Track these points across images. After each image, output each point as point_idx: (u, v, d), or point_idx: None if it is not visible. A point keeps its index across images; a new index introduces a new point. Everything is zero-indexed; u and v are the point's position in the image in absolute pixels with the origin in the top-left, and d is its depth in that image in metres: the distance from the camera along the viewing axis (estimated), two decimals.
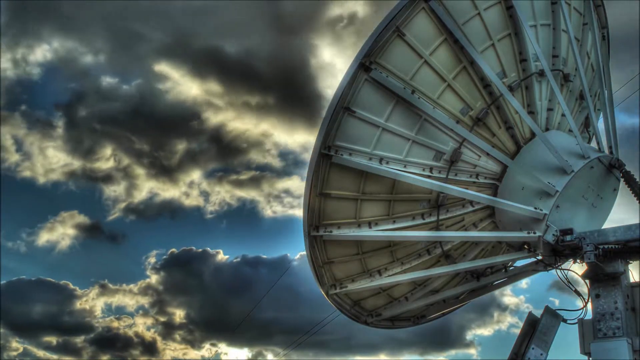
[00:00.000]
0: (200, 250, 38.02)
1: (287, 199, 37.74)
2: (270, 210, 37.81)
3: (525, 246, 10.84)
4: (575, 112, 12.82)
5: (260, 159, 36.80)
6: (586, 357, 10.03)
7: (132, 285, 38.88)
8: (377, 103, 10.59)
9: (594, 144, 12.56)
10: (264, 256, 37.92)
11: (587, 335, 10.09)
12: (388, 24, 10.25)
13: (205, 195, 37.32)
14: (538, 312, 10.85)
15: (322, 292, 11.99)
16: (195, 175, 37.20)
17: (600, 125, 12.64)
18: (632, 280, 10.19)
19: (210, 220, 38.13)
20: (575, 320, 10.44)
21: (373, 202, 11.22)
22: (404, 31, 10.40)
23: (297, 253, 37.85)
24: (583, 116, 13.17)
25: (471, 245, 12.34)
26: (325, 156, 10.61)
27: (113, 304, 38.07)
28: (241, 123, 36.50)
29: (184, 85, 35.55)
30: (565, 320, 10.74)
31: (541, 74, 11.63)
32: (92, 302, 37.40)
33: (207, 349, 36.66)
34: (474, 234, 11.88)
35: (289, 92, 35.02)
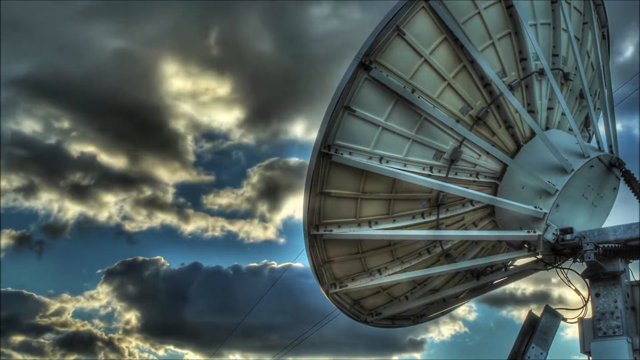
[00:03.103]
0: (148, 259, 39.57)
1: (195, 217, 39.22)
2: (186, 227, 39.35)
3: (525, 245, 10.84)
4: (575, 111, 12.82)
5: (150, 187, 38.44)
6: (586, 357, 10.05)
7: (86, 293, 40.16)
8: (377, 102, 10.59)
9: (594, 143, 12.56)
10: (204, 264, 39.65)
11: (587, 334, 10.09)
12: (388, 23, 10.25)
13: (125, 215, 39.03)
14: (537, 312, 10.89)
15: (322, 291, 11.99)
16: (107, 198, 38.76)
17: (601, 124, 12.65)
18: (632, 279, 10.19)
19: (140, 235, 39.62)
20: (575, 319, 10.45)
21: (373, 201, 11.21)
22: (404, 30, 10.39)
23: (232, 263, 39.92)
24: (583, 115, 13.18)
25: (471, 244, 12.33)
26: (325, 155, 10.61)
27: (72, 309, 39.29)
28: (110, 155, 38.27)
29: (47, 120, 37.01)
30: (565, 319, 10.75)
31: (541, 73, 11.63)
32: (52, 308, 38.42)
33: (170, 351, 38.10)
34: (474, 233, 11.88)
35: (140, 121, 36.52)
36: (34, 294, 38.24)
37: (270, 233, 39.26)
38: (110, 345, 37.20)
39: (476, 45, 10.91)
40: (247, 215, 39.09)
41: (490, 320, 38.23)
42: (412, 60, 10.62)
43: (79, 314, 40.96)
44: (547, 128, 11.90)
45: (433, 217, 11.47)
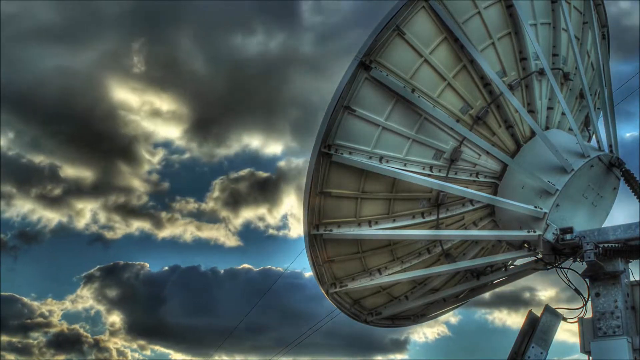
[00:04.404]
0: (129, 263, 40.52)
1: (168, 223, 40.08)
2: (160, 232, 40.29)
3: (525, 245, 10.84)
4: (575, 111, 12.82)
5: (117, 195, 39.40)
6: (586, 356, 10.05)
7: (69, 296, 40.98)
8: (377, 102, 10.59)
9: (594, 142, 12.56)
10: (184, 268, 40.88)
11: (587, 334, 10.09)
12: (388, 22, 10.25)
13: (99, 222, 39.88)
14: (538, 311, 10.89)
15: (322, 291, 11.99)
16: (80, 205, 39.52)
17: (601, 124, 12.64)
18: (632, 279, 10.19)
19: (116, 240, 40.35)
20: (575, 319, 10.45)
21: (373, 201, 11.21)
22: (404, 30, 10.40)
23: (209, 266, 41.55)
24: (583, 115, 13.18)
25: (471, 244, 12.34)
26: (325, 155, 10.61)
27: (57, 311, 40.03)
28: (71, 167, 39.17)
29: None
30: (565, 319, 10.75)
31: (541, 72, 11.63)
32: (38, 311, 39.11)
33: (158, 352, 39.18)
34: (474, 232, 11.88)
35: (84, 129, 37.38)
36: (24, 298, 38.99)
37: (236, 240, 40.41)
38: (97, 346, 38.06)
39: (476, 45, 10.91)
40: (215, 220, 40.26)
41: (468, 323, 38.71)
42: (412, 60, 10.62)
43: (65, 317, 41.63)
44: (547, 128, 11.90)
45: (433, 217, 11.47)
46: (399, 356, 36.97)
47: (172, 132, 39.84)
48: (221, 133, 39.25)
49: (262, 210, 39.53)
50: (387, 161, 10.79)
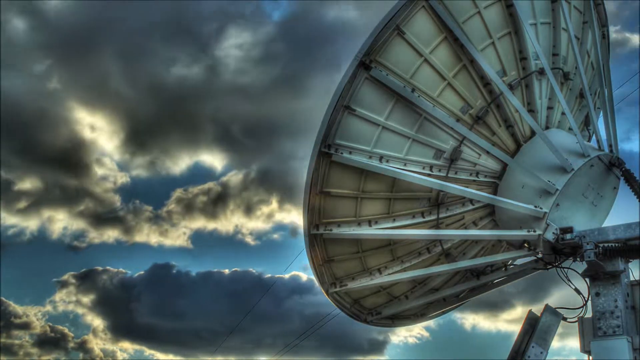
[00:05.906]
0: (108, 268, 41.56)
1: (135, 230, 41.07)
2: (131, 238, 41.11)
3: (525, 244, 10.83)
4: (575, 111, 12.83)
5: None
6: (586, 356, 10.05)
7: (49, 299, 41.72)
8: (377, 101, 10.59)
9: (593, 142, 12.57)
10: (161, 271, 41.74)
11: (587, 333, 10.10)
12: (388, 22, 10.25)
13: (71, 229, 40.70)
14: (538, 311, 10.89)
15: (322, 291, 12.00)
16: (48, 214, 40.06)
17: (601, 123, 12.66)
18: (632, 278, 10.20)
19: (89, 247, 41.18)
20: (576, 319, 10.45)
21: (373, 201, 11.21)
22: (403, 29, 10.39)
23: (184, 269, 42.44)
24: (583, 115, 13.18)
25: (471, 243, 12.34)
26: (325, 154, 10.61)
27: (40, 314, 40.95)
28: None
29: None
30: (565, 319, 10.76)
31: (541, 72, 11.64)
32: (23, 313, 39.80)
33: (148, 353, 39.98)
34: (474, 232, 11.88)
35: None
36: (8, 301, 39.42)
37: (199, 246, 41.83)
38: (82, 348, 38.95)
39: (476, 45, 10.91)
40: (175, 227, 41.26)
41: (447, 326, 39.11)
42: (412, 59, 10.62)
43: (48, 319, 42.34)
44: (547, 127, 11.91)
45: (433, 217, 11.47)
46: (378, 357, 37.24)
47: (109, 145, 41.09)
48: (164, 148, 40.65)
49: (215, 222, 41.24)
50: (387, 161, 10.79)
